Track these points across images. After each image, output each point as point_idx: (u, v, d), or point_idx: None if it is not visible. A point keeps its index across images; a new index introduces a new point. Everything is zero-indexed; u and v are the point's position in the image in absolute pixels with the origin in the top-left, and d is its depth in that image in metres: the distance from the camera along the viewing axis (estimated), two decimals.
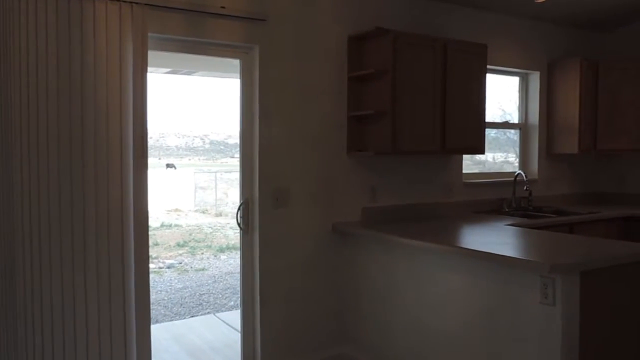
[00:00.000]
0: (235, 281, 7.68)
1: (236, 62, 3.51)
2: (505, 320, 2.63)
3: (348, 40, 3.72)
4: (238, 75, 3.54)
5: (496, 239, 3.03)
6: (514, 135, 4.92)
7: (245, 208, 3.51)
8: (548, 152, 4.82)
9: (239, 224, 3.52)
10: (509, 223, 3.67)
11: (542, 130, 4.81)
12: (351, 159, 3.79)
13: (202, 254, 10.01)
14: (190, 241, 11.24)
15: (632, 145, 4.54)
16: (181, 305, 6.48)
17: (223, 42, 3.32)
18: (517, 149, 4.93)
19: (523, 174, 4.32)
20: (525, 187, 4.30)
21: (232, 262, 9.21)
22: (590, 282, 2.46)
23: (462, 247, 2.78)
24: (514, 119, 4.88)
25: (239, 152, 3.55)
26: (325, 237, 3.71)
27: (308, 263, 3.65)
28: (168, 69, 5.07)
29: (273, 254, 3.51)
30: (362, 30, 3.66)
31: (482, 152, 3.96)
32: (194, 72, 5.51)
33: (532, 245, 2.94)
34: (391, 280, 3.34)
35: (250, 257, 3.53)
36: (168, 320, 5.71)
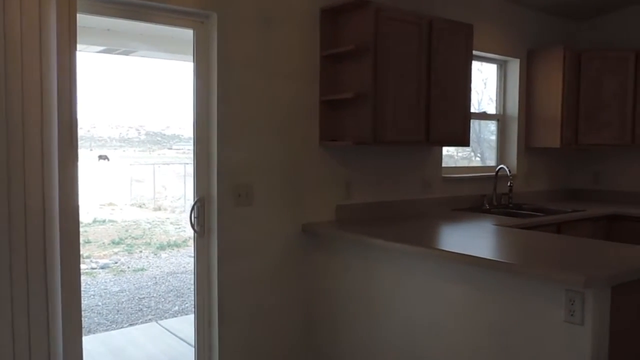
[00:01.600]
0: (179, 282, 7.05)
1: (187, 37, 2.94)
2: (520, 342, 2.23)
3: (321, 13, 3.22)
4: (182, 56, 2.99)
5: (492, 243, 2.64)
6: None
7: (200, 207, 2.95)
8: (527, 145, 4.52)
9: (192, 226, 2.95)
10: (496, 223, 3.29)
11: (521, 123, 4.49)
12: (323, 150, 3.30)
13: (141, 252, 9.24)
14: (126, 238, 10.41)
15: (614, 140, 4.30)
16: (118, 311, 5.80)
17: (173, 6, 2.73)
18: (476, 144, 4.62)
19: (506, 169, 3.97)
20: (508, 183, 3.96)
21: (174, 260, 8.53)
22: (623, 296, 2.09)
23: (471, 256, 2.34)
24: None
25: (192, 142, 2.97)
26: (295, 240, 3.21)
27: (275, 270, 3.14)
28: (101, 47, 4.42)
29: (234, 260, 2.98)
30: (338, 2, 3.17)
31: (467, 144, 3.57)
32: (132, 52, 4.87)
33: (538, 250, 2.55)
34: (373, 290, 2.89)
35: (206, 265, 2.98)
36: (103, 330, 5.06)
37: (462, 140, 3.52)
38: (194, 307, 3.02)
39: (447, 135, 3.43)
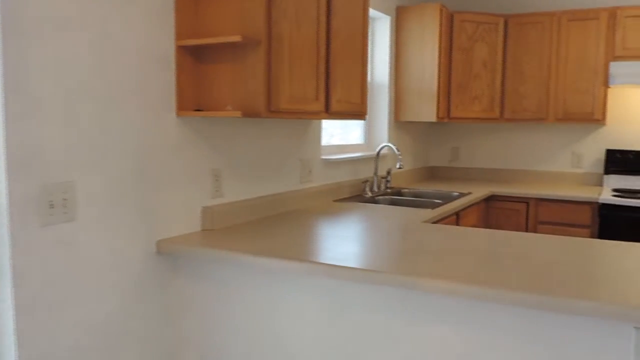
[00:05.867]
0: None
1: None
2: None
3: None
4: None
5: (461, 255, 1.88)
6: None
7: None
8: (396, 119, 3.90)
9: None
10: (424, 219, 2.56)
11: (392, 92, 3.85)
12: (184, 125, 2.15)
13: None
14: None
15: (484, 113, 3.94)
16: None
17: None
18: None
19: (394, 148, 3.27)
20: (398, 165, 3.26)
21: None
22: None
23: (507, 290, 1.53)
24: None
25: None
26: (148, 268, 2.03)
27: (118, 322, 1.93)
28: None
29: (45, 319, 1.70)
30: None
31: (365, 116, 2.76)
32: None
33: (544, 264, 1.86)
34: (274, 336, 1.91)
35: None
36: None
37: (360, 112, 2.70)
38: None
39: (347, 105, 2.57)
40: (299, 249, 1.93)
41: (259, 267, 1.86)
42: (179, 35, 2.08)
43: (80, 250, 1.78)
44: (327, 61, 2.42)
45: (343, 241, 2.08)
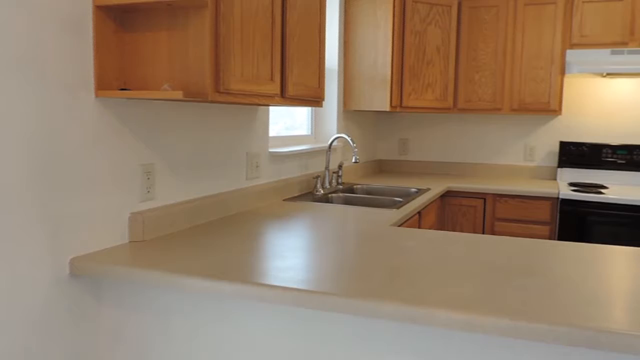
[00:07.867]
0: None
1: None
2: None
3: None
4: None
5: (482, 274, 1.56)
6: None
7: None
8: (344, 107, 3.56)
9: None
10: (392, 222, 2.23)
11: (341, 78, 3.50)
12: (105, 108, 1.68)
13: None
14: None
15: (437, 102, 3.67)
16: None
17: None
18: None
19: (349, 139, 2.91)
20: (354, 159, 2.91)
21: None
22: None
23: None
24: None
25: None
26: (56, 297, 1.56)
27: None
28: None
29: None
30: None
31: (322, 103, 2.39)
32: None
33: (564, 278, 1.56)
34: None
35: None
36: None
37: (317, 97, 2.32)
38: None
39: (303, 89, 2.18)
40: (254, 267, 1.53)
41: (204, 291, 1.45)
42: None
43: None
44: (283, 36, 2.02)
45: (308, 254, 1.70)
